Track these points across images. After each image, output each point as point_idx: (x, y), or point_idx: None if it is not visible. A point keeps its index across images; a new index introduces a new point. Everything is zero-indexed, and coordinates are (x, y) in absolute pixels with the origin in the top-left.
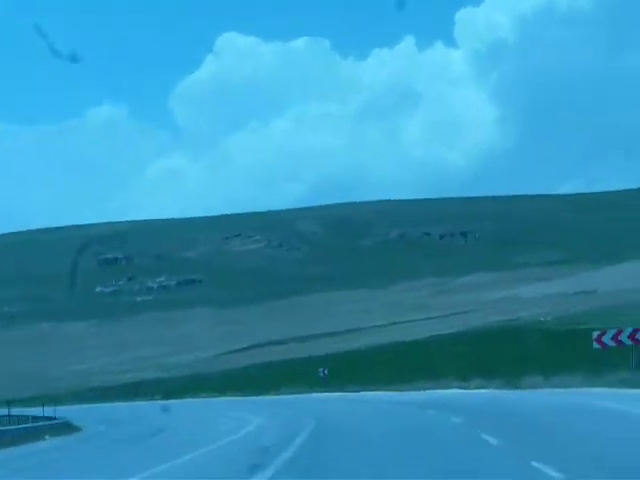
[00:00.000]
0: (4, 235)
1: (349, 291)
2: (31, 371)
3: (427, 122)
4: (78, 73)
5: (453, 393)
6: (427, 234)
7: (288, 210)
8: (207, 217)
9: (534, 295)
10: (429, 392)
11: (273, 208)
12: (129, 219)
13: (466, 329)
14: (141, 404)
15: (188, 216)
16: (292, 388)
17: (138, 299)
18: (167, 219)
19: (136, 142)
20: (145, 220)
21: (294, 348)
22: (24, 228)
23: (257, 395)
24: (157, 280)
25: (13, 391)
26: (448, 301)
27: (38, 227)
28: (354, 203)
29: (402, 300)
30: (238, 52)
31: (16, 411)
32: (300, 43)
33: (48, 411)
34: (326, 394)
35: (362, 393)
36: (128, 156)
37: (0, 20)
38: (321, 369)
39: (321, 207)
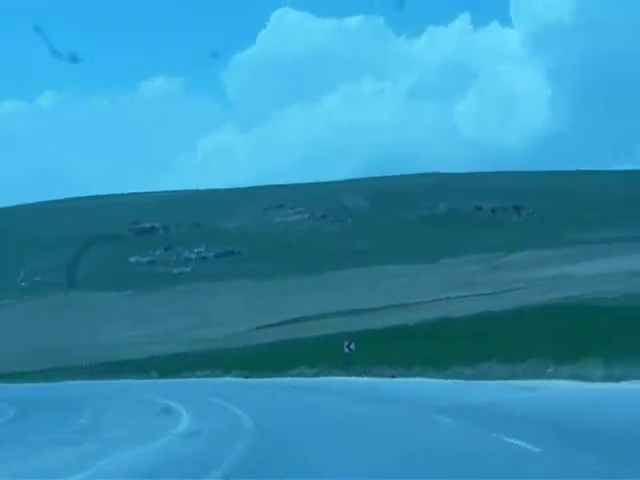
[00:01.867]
0: (45, 203)
1: (394, 266)
2: (56, 342)
3: (480, 100)
4: (134, 46)
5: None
6: (479, 208)
7: (333, 182)
8: (248, 188)
9: (592, 273)
10: (486, 385)
11: (318, 180)
12: (169, 189)
13: (519, 306)
14: (122, 382)
15: (229, 187)
16: (312, 368)
17: (174, 270)
18: (207, 189)
19: (188, 115)
20: (184, 190)
21: (327, 324)
22: (69, 195)
23: (266, 376)
24: (195, 251)
25: (31, 362)
26: (499, 278)
27: (78, 195)
28: (401, 176)
29: (449, 276)
30: (292, 28)
31: None
32: (354, 20)
33: None
34: (348, 378)
35: (397, 380)
36: (180, 128)
37: None
38: (346, 342)
39: (367, 179)
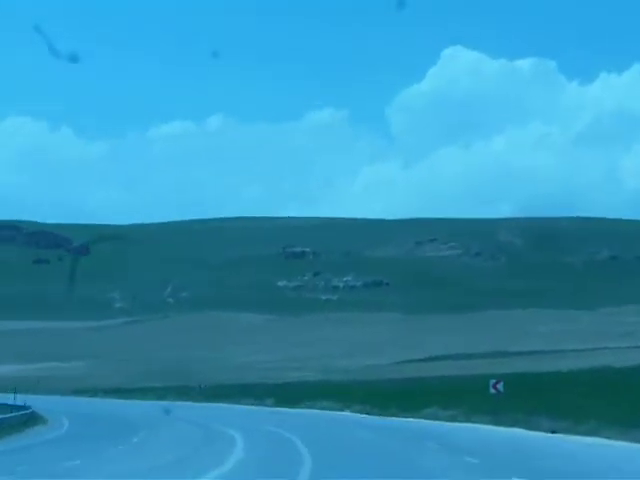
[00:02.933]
0: (199, 221)
1: (549, 310)
2: (189, 360)
3: None
4: (302, 76)
5: None
6: None
7: (490, 220)
8: (402, 219)
9: None
10: None
11: (474, 216)
12: (323, 215)
13: None
14: (222, 406)
15: (382, 217)
16: (447, 410)
17: (322, 297)
18: (360, 218)
19: (350, 146)
20: (338, 218)
21: (472, 365)
22: (224, 215)
23: (390, 414)
24: (343, 279)
25: (157, 379)
26: None
27: (233, 215)
28: (561, 218)
29: (608, 325)
30: (462, 66)
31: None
32: (526, 63)
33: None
34: (494, 428)
35: (562, 438)
36: (341, 158)
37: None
38: (493, 381)
39: (525, 219)
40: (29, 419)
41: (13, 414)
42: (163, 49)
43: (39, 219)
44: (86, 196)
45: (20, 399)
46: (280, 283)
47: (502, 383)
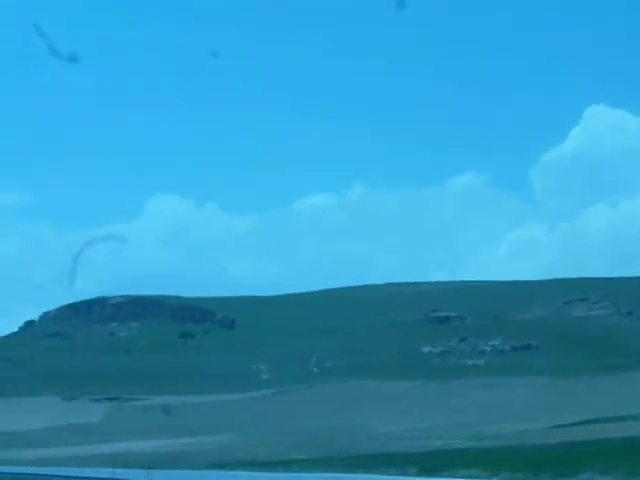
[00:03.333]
0: (343, 289)
1: None
2: (332, 430)
3: None
4: (443, 142)
5: None
6: None
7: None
8: (550, 280)
9: None
10: None
11: (623, 275)
12: (468, 279)
13: None
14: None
15: (528, 279)
16: (606, 475)
17: (469, 362)
18: (506, 281)
19: (494, 210)
20: (483, 281)
21: (629, 427)
22: (368, 283)
23: None
24: (490, 343)
25: (302, 450)
26: None
27: (377, 282)
28: None
29: None
30: (605, 125)
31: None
32: None
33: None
34: None
35: None
36: (485, 223)
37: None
38: None
39: None
40: None
41: None
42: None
43: (184, 294)
44: (230, 269)
45: (142, 474)
46: (425, 349)
47: None
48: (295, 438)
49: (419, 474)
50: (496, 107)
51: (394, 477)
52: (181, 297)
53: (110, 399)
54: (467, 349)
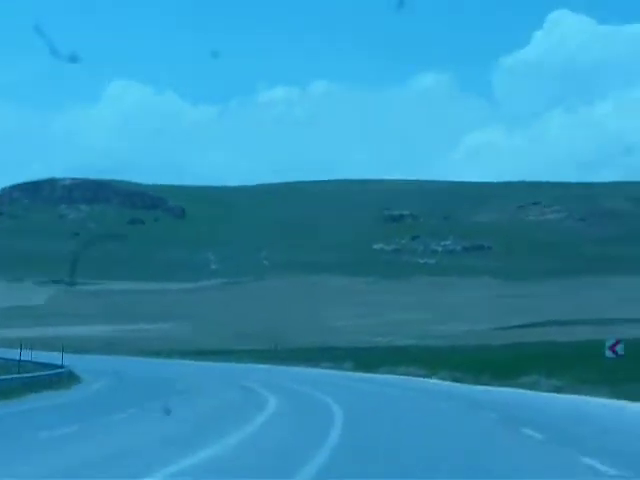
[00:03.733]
0: (296, 183)
1: None
2: (277, 323)
3: None
4: (408, 40)
5: None
6: None
7: (594, 184)
8: (504, 182)
9: None
10: None
11: (578, 181)
12: (423, 179)
13: None
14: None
15: (484, 181)
16: (550, 379)
17: (420, 261)
18: (460, 182)
19: (454, 111)
20: (438, 181)
21: (578, 331)
22: (323, 179)
23: (483, 383)
24: (442, 243)
25: (244, 341)
26: None
27: (330, 178)
28: None
29: None
30: (568, 31)
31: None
32: (636, 28)
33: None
34: (611, 401)
35: None
36: (445, 124)
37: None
38: (610, 342)
39: (633, 184)
40: (60, 379)
41: (42, 373)
42: (273, 13)
43: (136, 180)
44: (186, 159)
45: (74, 359)
46: (377, 246)
47: (622, 345)
48: (240, 329)
49: (355, 369)
50: (461, 6)
51: (326, 370)
52: (132, 183)
53: (55, 282)
54: (419, 248)
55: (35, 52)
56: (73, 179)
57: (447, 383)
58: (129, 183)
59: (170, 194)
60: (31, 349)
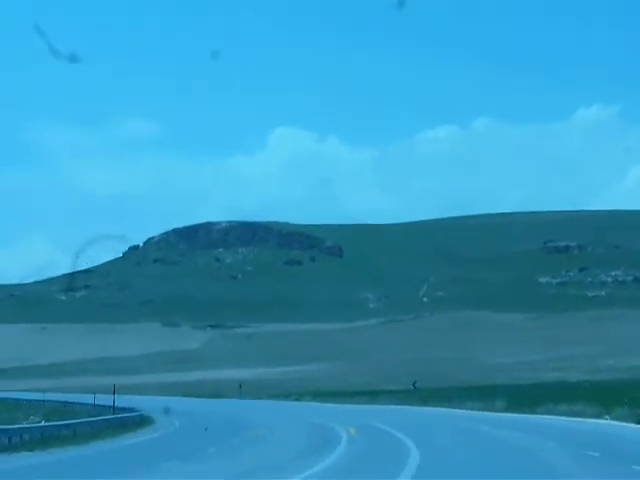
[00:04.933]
0: (457, 218)
1: None
2: (432, 362)
3: None
4: (571, 74)
5: None
6: None
7: None
8: None
9: None
10: None
11: None
12: (588, 209)
13: None
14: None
15: None
16: None
17: (588, 293)
18: (630, 210)
19: (620, 142)
20: (604, 210)
21: None
22: (483, 212)
23: None
24: (612, 274)
25: (396, 381)
26: None
27: (492, 212)
28: None
29: None
30: None
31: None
32: None
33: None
34: None
35: None
36: (610, 155)
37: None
38: None
39: None
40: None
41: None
42: (429, 54)
43: (292, 220)
44: (342, 199)
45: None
46: (542, 280)
47: None
48: (396, 369)
49: (508, 409)
50: (627, 37)
51: (469, 411)
52: (289, 224)
53: (212, 326)
54: (587, 280)
55: (194, 102)
56: (229, 222)
57: (630, 425)
58: (285, 224)
59: (327, 233)
60: (106, 394)
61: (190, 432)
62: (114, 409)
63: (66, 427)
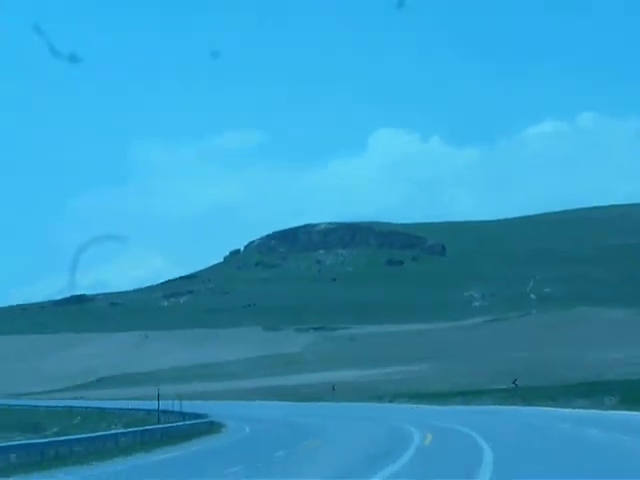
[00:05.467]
0: (560, 212)
1: None
2: (547, 359)
3: None
4: None
5: None
6: None
7: None
8: None
9: None
10: None
11: None
12: None
13: None
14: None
15: None
16: None
17: None
18: None
19: None
20: None
21: None
22: (586, 205)
23: None
24: None
25: (495, 381)
26: None
27: (596, 205)
28: None
29: None
30: None
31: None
32: None
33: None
34: None
35: None
36: None
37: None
38: None
39: None
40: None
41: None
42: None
43: (392, 220)
44: (444, 197)
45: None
46: None
47: None
48: (501, 367)
49: (617, 406)
50: None
51: (575, 410)
52: (389, 223)
53: (315, 329)
54: None
55: (295, 108)
56: (329, 224)
57: None
58: (385, 224)
59: (428, 232)
60: (183, 400)
61: (258, 438)
62: (183, 416)
63: (123, 435)
